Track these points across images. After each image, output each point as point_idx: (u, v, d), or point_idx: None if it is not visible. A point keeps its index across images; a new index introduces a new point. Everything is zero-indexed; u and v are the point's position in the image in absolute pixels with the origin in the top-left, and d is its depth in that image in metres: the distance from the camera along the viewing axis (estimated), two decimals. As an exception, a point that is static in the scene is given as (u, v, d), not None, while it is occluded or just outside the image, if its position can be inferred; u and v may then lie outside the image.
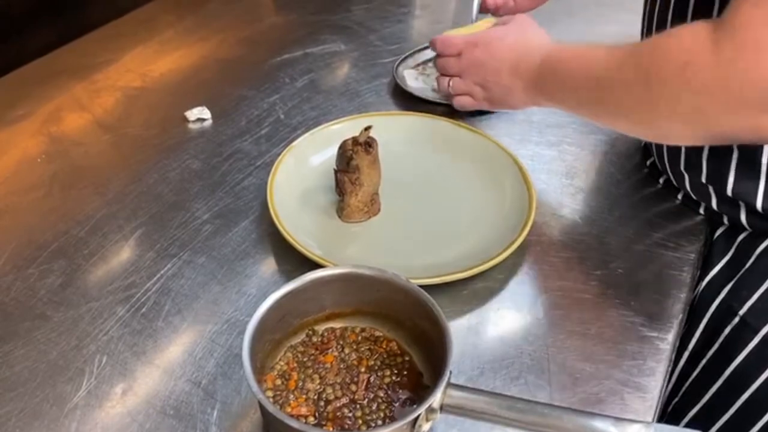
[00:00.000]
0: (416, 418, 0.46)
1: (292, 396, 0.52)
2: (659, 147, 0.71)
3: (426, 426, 0.47)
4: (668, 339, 0.60)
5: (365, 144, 0.66)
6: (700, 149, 0.66)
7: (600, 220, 0.72)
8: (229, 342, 0.59)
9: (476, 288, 0.63)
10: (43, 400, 0.54)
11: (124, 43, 1.01)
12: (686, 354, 0.69)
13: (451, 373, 0.48)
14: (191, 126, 0.85)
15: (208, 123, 0.86)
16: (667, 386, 0.68)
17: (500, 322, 0.61)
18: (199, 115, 0.86)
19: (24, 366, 0.57)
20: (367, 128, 0.66)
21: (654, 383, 0.56)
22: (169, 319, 0.61)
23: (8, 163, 0.79)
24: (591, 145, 0.82)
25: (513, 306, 0.63)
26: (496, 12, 0.94)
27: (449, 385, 0.48)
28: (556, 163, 0.80)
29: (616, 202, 0.74)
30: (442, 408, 0.47)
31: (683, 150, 0.68)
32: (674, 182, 0.72)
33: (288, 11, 1.15)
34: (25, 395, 0.55)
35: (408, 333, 0.55)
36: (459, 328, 0.60)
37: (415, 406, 0.48)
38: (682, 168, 0.69)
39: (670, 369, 0.60)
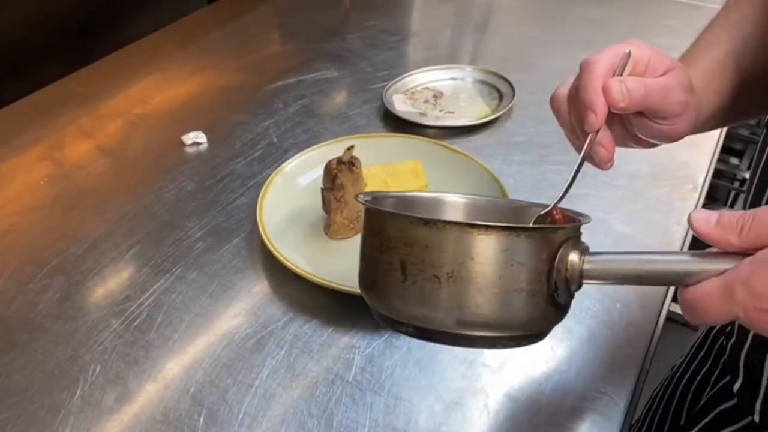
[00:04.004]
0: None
1: None
2: None
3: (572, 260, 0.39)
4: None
5: (349, 163, 0.70)
6: None
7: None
8: (217, 352, 0.62)
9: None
10: (39, 407, 0.57)
11: (126, 72, 1.06)
12: None
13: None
14: (187, 149, 0.89)
15: (204, 146, 0.90)
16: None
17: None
18: (195, 139, 0.89)
19: (22, 375, 0.60)
20: (350, 148, 0.69)
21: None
22: (160, 331, 0.64)
23: (13, 186, 0.83)
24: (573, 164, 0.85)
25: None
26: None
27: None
28: (538, 181, 0.83)
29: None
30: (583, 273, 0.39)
31: None
32: None
33: (285, 41, 1.20)
34: (23, 402, 0.58)
35: None
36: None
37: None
38: None
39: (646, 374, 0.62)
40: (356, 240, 0.74)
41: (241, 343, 0.63)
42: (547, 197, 0.79)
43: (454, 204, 0.51)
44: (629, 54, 0.48)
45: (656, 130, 0.49)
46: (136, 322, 0.65)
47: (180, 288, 0.68)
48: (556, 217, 0.45)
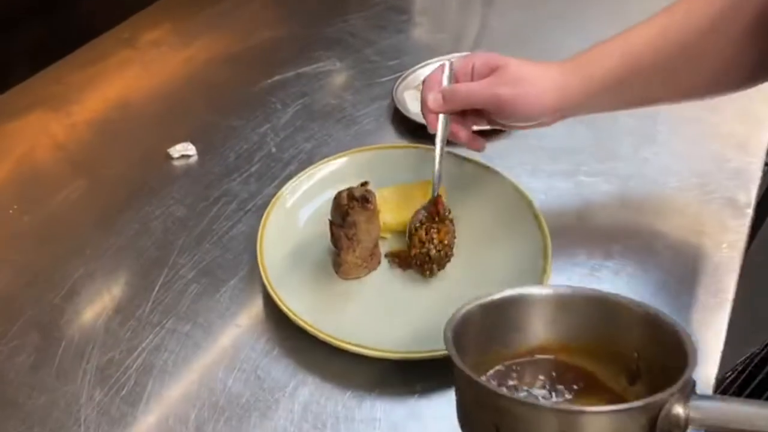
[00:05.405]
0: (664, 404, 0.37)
1: None
2: None
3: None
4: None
5: (362, 198, 0.60)
6: None
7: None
8: (216, 430, 0.54)
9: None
10: None
11: (103, 66, 0.94)
12: None
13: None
14: (175, 164, 0.79)
15: (194, 159, 0.80)
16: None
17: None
18: (183, 151, 0.79)
19: (-8, 466, 0.52)
20: (364, 184, 0.59)
21: None
22: (150, 405, 0.55)
23: (-22, 215, 0.73)
24: (610, 174, 0.76)
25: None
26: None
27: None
28: (571, 198, 0.73)
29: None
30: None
31: None
32: None
33: (279, 24, 1.07)
34: (-7, 503, 0.50)
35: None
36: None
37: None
38: None
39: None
40: (370, 280, 0.65)
41: (244, 416, 0.55)
42: (576, 217, 0.66)
43: (540, 301, 0.50)
44: (449, 65, 0.63)
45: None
46: (123, 393, 0.56)
47: (171, 345, 0.60)
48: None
